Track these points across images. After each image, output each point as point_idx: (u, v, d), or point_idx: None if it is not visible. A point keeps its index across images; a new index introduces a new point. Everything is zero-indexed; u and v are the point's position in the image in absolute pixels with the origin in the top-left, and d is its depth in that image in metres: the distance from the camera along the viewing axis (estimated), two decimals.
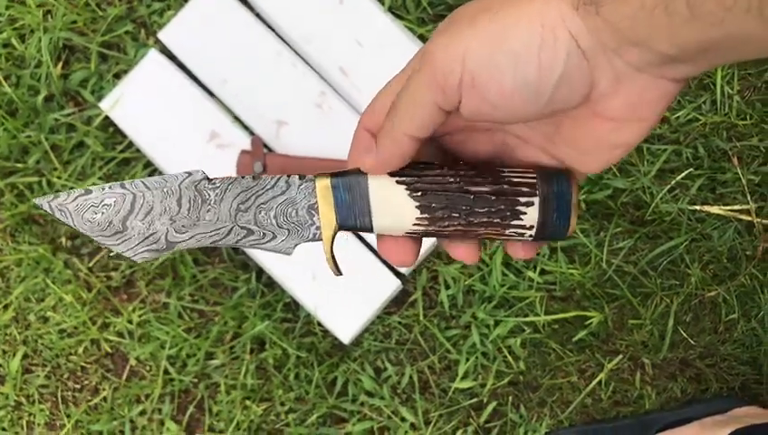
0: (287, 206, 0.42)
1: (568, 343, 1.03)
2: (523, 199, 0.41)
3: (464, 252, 0.42)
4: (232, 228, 0.41)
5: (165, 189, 0.41)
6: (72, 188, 1.05)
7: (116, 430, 1.06)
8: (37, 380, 1.07)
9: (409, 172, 0.41)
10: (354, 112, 1.04)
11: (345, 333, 1.02)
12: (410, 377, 1.03)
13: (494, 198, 0.40)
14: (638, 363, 1.03)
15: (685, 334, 1.02)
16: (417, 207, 0.41)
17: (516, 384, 1.04)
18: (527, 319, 1.02)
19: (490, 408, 1.03)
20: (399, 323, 1.04)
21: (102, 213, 0.41)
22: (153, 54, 1.05)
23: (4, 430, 1.06)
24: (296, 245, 0.43)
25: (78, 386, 1.07)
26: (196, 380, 1.05)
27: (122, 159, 1.06)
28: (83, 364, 1.07)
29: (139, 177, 1.05)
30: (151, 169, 1.05)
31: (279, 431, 1.04)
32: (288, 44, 1.05)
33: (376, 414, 1.03)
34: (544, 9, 0.33)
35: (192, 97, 1.05)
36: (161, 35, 1.05)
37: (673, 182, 1.01)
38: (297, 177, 0.42)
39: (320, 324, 1.02)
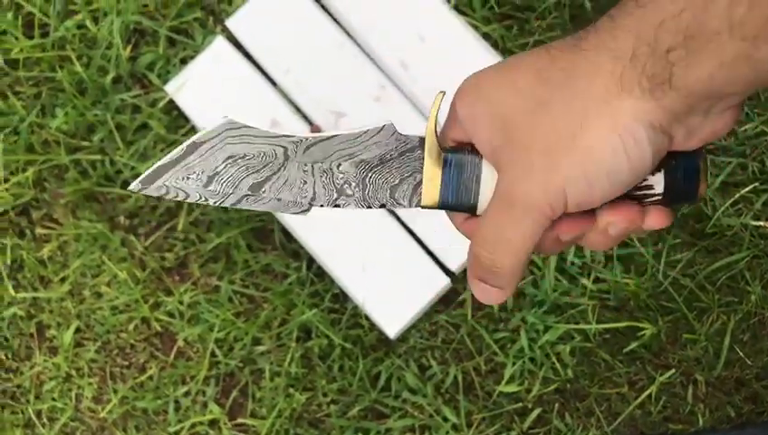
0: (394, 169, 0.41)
1: (618, 353, 1.01)
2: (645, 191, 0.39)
3: (625, 209, 0.38)
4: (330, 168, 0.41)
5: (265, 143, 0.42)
6: (133, 167, 1.07)
7: (160, 409, 1.07)
8: (88, 354, 1.09)
9: None
10: (412, 107, 1.04)
11: (391, 328, 1.01)
12: (455, 377, 1.02)
13: None
14: (690, 379, 1.00)
15: (741, 353, 0.99)
16: None
17: (563, 392, 1.02)
18: (578, 326, 1.00)
19: (534, 414, 1.01)
20: (447, 321, 1.03)
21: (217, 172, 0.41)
22: (219, 41, 1.07)
23: (53, 399, 1.08)
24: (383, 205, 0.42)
25: (126, 363, 1.09)
26: (241, 364, 1.05)
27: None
28: (133, 342, 1.09)
29: None
30: None
31: (320, 421, 1.04)
32: (351, 36, 1.06)
33: (418, 412, 1.02)
34: (616, 116, 0.33)
35: (255, 85, 1.06)
36: (229, 23, 1.07)
37: (737, 196, 0.98)
38: (418, 139, 0.41)
39: (367, 317, 1.02)
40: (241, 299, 1.07)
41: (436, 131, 0.41)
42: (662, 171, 0.38)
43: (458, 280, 1.03)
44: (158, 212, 1.08)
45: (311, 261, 1.05)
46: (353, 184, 0.40)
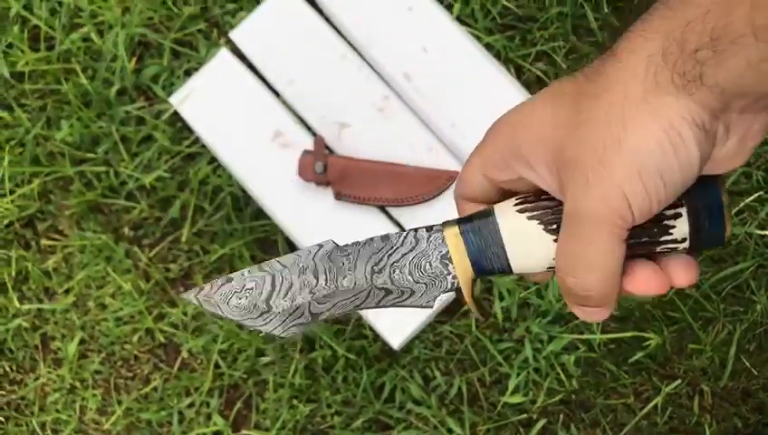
0: (420, 259, 0.41)
1: (624, 363, 1.00)
2: (668, 212, 0.37)
3: (645, 281, 0.39)
4: (370, 291, 0.42)
5: (300, 265, 0.42)
6: (138, 178, 1.08)
7: (164, 421, 1.07)
8: (92, 365, 1.09)
9: (540, 205, 0.39)
10: (416, 117, 1.04)
11: (395, 339, 1.01)
12: (459, 388, 1.02)
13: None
14: (696, 390, 0.99)
15: (747, 363, 0.98)
16: (554, 240, 0.39)
17: (568, 403, 1.01)
18: (582, 336, 1.00)
19: (539, 425, 1.00)
20: (451, 332, 1.03)
21: (246, 297, 0.42)
22: (223, 53, 1.07)
23: (57, 411, 1.08)
24: (436, 297, 0.42)
25: (130, 374, 1.09)
26: (245, 375, 1.05)
27: (188, 153, 1.09)
28: (137, 353, 1.09)
29: (202, 173, 1.07)
30: (215, 164, 1.07)
31: (324, 433, 1.04)
32: (354, 48, 1.06)
33: (422, 423, 1.02)
34: (656, 113, 0.33)
35: (258, 96, 1.06)
36: (233, 35, 1.08)
37: (741, 205, 0.98)
38: (424, 229, 0.41)
39: (370, 328, 1.02)
40: None
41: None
42: (684, 215, 0.37)
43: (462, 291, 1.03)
44: (162, 223, 1.09)
45: None
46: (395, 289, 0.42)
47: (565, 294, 0.39)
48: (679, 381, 0.99)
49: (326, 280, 0.42)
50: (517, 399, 1.00)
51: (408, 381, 1.02)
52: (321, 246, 0.43)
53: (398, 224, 1.03)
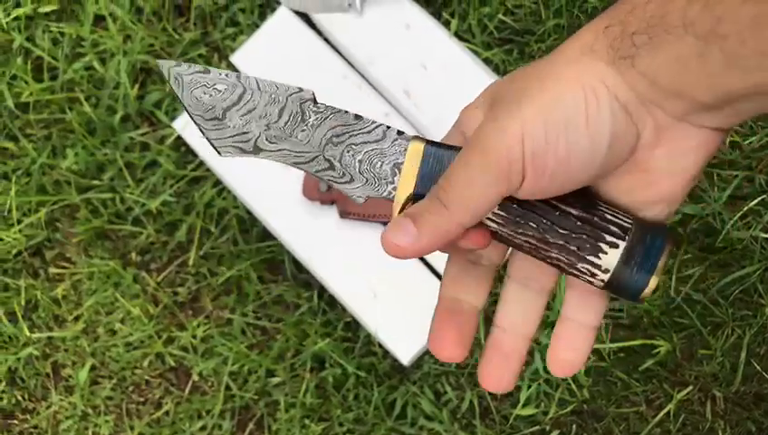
0: (375, 156, 0.41)
1: (634, 372, 1.00)
2: (608, 238, 0.37)
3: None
4: (316, 157, 0.41)
5: (272, 95, 0.41)
6: (144, 204, 1.09)
7: None
8: (103, 391, 1.09)
9: None
10: (416, 133, 1.04)
11: (405, 355, 1.01)
12: (471, 402, 1.02)
13: (579, 223, 0.37)
14: (708, 396, 0.99)
15: (758, 367, 0.98)
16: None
17: (580, 413, 1.01)
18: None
19: None
20: None
21: (210, 95, 0.41)
22: None
23: None
24: (368, 196, 0.42)
25: (142, 399, 1.09)
26: (256, 397, 1.05)
27: (192, 177, 1.09)
28: (148, 378, 1.09)
29: (207, 196, 1.07)
30: (220, 187, 1.08)
31: None
32: (354, 67, 1.07)
33: None
34: (583, 71, 0.35)
35: None
36: (233, 59, 1.09)
37: (745, 208, 0.98)
38: (396, 131, 0.41)
39: (380, 345, 1.02)
40: (254, 331, 1.07)
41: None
42: (620, 247, 0.37)
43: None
44: (169, 247, 1.09)
45: (322, 290, 1.05)
46: (340, 162, 0.41)
47: (412, 207, 0.38)
48: (691, 387, 0.99)
49: (286, 122, 0.41)
50: (529, 411, 1.00)
51: (419, 396, 1.02)
52: (301, 89, 0.42)
53: None
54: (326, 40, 1.09)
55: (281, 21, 1.08)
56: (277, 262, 1.08)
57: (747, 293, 0.99)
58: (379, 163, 0.41)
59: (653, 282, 0.37)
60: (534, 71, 0.36)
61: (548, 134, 0.34)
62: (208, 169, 1.08)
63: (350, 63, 1.08)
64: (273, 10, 1.10)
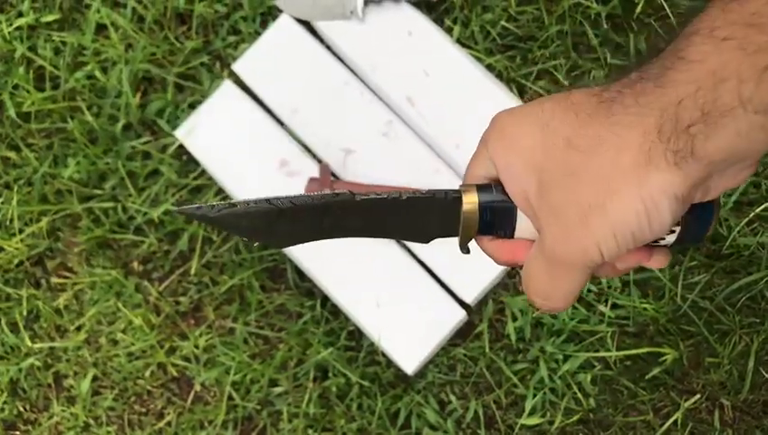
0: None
1: (641, 380, 0.99)
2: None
3: (657, 260, 0.43)
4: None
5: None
6: (146, 213, 1.08)
7: None
8: (105, 402, 1.08)
9: None
10: (420, 141, 1.04)
11: (409, 364, 1.00)
12: (475, 411, 1.01)
13: None
14: (716, 404, 0.98)
15: (767, 375, 0.97)
16: None
17: (586, 422, 1.00)
18: (598, 354, 0.99)
19: None
20: (465, 355, 1.02)
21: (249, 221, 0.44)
22: (227, 85, 1.08)
23: None
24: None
25: (144, 410, 1.09)
26: (259, 406, 1.05)
27: (195, 186, 1.09)
28: (150, 388, 1.08)
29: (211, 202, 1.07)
30: (222, 195, 1.07)
31: None
32: (356, 74, 1.07)
33: None
34: (643, 188, 0.36)
35: (263, 126, 1.07)
36: (235, 67, 1.08)
37: (752, 214, 0.97)
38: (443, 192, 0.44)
39: (383, 354, 1.01)
40: (256, 340, 1.06)
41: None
42: (676, 231, 0.41)
43: (474, 312, 1.02)
44: (171, 256, 1.09)
45: (325, 299, 1.04)
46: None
47: (530, 295, 0.43)
48: (698, 395, 0.98)
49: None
50: (535, 420, 0.99)
51: (423, 406, 1.01)
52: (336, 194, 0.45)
53: (406, 248, 1.02)
54: (328, 47, 1.08)
55: (282, 29, 1.08)
56: (279, 271, 1.07)
57: (754, 300, 0.98)
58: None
59: (711, 228, 0.42)
60: (588, 179, 0.37)
61: (618, 242, 0.37)
62: (210, 178, 1.08)
63: (352, 71, 1.07)
64: (275, 18, 1.09)
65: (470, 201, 0.42)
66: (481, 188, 0.43)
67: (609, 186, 0.36)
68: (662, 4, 1.02)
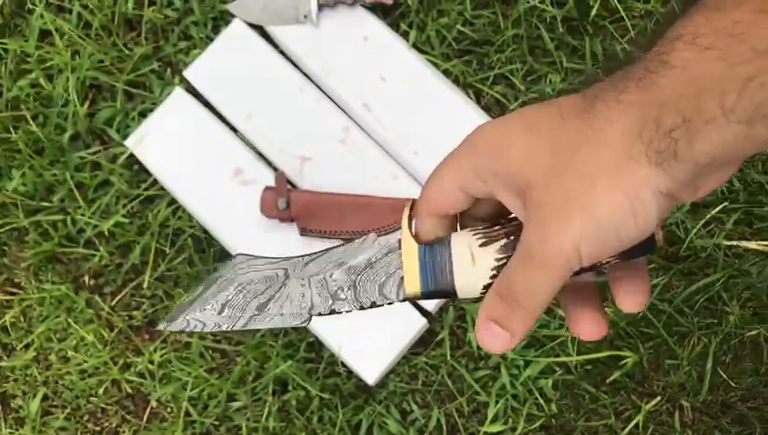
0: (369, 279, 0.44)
1: (602, 384, 0.99)
2: None
3: (588, 327, 0.42)
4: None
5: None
6: (96, 225, 1.05)
7: None
8: (56, 422, 1.05)
9: (497, 241, 0.41)
10: (377, 147, 1.02)
11: (370, 374, 0.99)
12: (438, 420, 1.00)
13: None
14: (676, 405, 0.99)
15: (725, 376, 0.97)
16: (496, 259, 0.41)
17: (548, 428, 0.99)
18: (559, 359, 0.99)
19: None
20: (426, 363, 1.01)
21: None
22: (178, 92, 1.05)
23: None
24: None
25: (98, 428, 1.05)
26: (217, 422, 1.02)
27: (146, 196, 1.06)
28: (103, 406, 1.05)
29: (162, 216, 1.04)
30: (175, 206, 1.04)
31: None
32: (312, 80, 1.05)
33: None
34: (625, 181, 0.35)
35: (216, 134, 1.04)
36: (186, 74, 1.06)
37: (708, 216, 0.98)
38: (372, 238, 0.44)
39: (344, 365, 1.00)
40: (213, 354, 1.04)
41: (410, 229, 0.43)
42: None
43: (435, 320, 1.01)
44: (123, 270, 1.05)
45: None
46: (345, 288, 0.44)
47: (490, 306, 0.41)
48: (659, 398, 0.98)
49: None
50: (497, 427, 0.98)
51: (385, 416, 1.00)
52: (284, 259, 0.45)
53: None
54: (282, 53, 1.06)
55: (235, 34, 1.06)
56: None
57: (712, 301, 0.98)
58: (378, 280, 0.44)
59: (659, 234, 0.40)
60: (570, 174, 0.36)
61: (600, 240, 0.36)
62: (162, 188, 1.05)
63: (307, 76, 1.05)
64: (227, 23, 1.07)
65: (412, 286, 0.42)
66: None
67: (591, 180, 0.36)
68: (617, 6, 1.03)
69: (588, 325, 0.42)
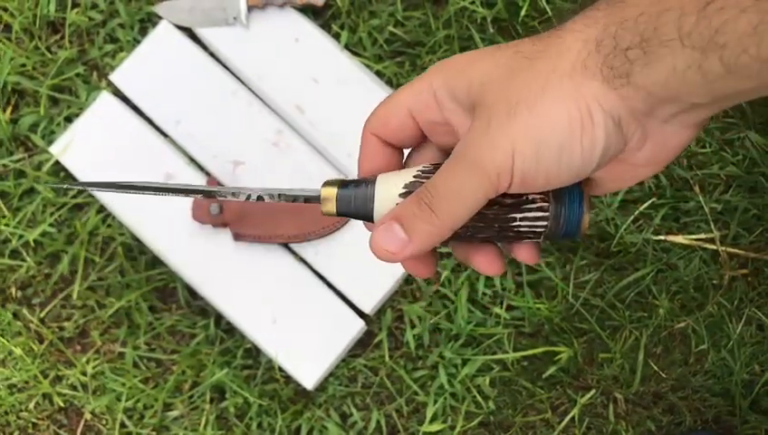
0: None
1: (538, 379, 1.00)
2: (536, 203, 0.38)
3: (485, 262, 0.40)
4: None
5: None
6: (21, 235, 1.01)
7: None
8: None
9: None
10: (311, 149, 1.02)
11: (309, 379, 0.98)
12: (377, 422, 1.00)
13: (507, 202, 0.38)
14: (610, 398, 1.01)
15: (655, 367, 1.00)
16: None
17: (487, 425, 1.01)
18: (495, 357, 1.00)
19: None
20: (365, 365, 1.01)
21: None
22: (105, 97, 1.02)
23: None
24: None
25: None
26: (154, 432, 1.00)
27: (74, 204, 1.03)
28: (35, 420, 1.02)
29: (91, 224, 1.01)
30: (105, 214, 1.02)
31: None
32: (243, 83, 1.03)
33: None
34: (578, 91, 0.34)
35: (145, 139, 1.02)
36: (113, 77, 1.03)
37: (636, 212, 1.00)
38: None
39: (282, 370, 0.99)
40: (148, 364, 1.02)
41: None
42: (549, 203, 0.39)
43: (373, 321, 1.01)
44: (52, 280, 1.02)
45: (219, 317, 1.01)
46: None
47: (399, 209, 0.38)
48: (593, 391, 1.00)
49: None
50: (436, 427, 0.99)
51: (324, 420, 1.00)
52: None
53: (302, 260, 1.00)
54: (212, 55, 1.05)
55: (162, 36, 1.03)
56: (169, 290, 1.03)
57: (642, 295, 1.01)
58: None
59: (586, 218, 0.39)
60: (524, 78, 0.35)
61: (539, 156, 0.34)
62: (91, 195, 1.02)
63: (238, 79, 1.04)
64: (155, 25, 1.04)
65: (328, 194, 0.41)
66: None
67: (542, 87, 0.34)
68: (545, 7, 1.04)
69: (484, 260, 0.41)
